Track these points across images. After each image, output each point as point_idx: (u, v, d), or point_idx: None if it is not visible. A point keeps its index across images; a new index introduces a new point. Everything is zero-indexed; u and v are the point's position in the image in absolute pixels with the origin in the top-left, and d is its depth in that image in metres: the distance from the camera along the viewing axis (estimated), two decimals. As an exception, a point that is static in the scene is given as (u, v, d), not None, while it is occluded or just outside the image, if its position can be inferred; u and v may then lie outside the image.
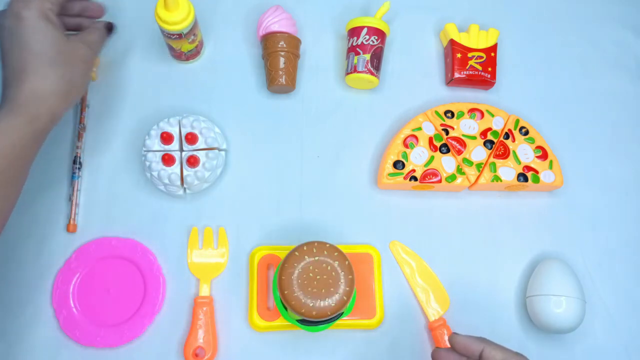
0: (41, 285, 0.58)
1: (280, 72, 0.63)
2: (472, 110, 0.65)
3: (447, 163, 0.62)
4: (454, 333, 0.47)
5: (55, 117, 0.50)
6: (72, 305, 0.57)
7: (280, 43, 0.63)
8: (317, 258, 0.50)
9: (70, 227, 0.59)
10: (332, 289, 0.49)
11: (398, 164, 0.61)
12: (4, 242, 0.59)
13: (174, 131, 0.60)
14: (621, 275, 0.63)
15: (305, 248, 0.51)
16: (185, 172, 0.58)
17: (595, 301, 0.61)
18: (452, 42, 0.67)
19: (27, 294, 0.58)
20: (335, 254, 0.51)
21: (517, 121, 0.65)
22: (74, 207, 0.60)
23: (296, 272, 0.49)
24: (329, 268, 0.50)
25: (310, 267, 0.50)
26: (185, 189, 0.60)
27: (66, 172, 0.62)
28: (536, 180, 0.62)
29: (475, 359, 0.45)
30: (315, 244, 0.51)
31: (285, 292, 0.49)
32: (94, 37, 0.56)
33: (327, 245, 0.51)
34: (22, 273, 0.58)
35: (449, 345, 0.48)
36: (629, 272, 0.63)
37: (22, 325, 0.57)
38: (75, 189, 0.60)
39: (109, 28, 0.59)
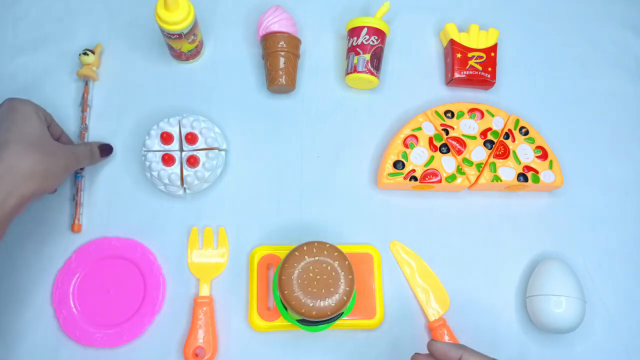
0: (41, 285, 0.58)
1: (280, 72, 0.63)
2: (472, 110, 0.65)
3: (447, 163, 0.62)
4: (433, 340, 0.47)
5: (23, 202, 0.47)
6: (72, 305, 0.57)
7: (280, 43, 0.63)
8: (317, 258, 0.50)
9: (75, 227, 0.59)
10: (332, 289, 0.49)
11: (398, 164, 0.61)
12: (4, 243, 0.59)
13: (174, 131, 0.59)
14: (621, 275, 0.63)
15: (305, 248, 0.51)
16: (185, 172, 0.58)
17: (595, 301, 0.61)
18: (452, 42, 0.67)
19: (27, 294, 0.58)
20: (335, 253, 0.51)
21: (517, 121, 0.65)
22: (78, 208, 0.60)
23: (296, 272, 0.50)
24: (329, 268, 0.50)
25: (310, 267, 0.50)
26: (185, 189, 0.60)
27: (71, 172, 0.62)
28: (536, 180, 0.62)
29: None
30: (315, 243, 0.51)
31: (285, 292, 0.49)
32: (83, 152, 0.56)
33: (327, 245, 0.51)
34: (22, 273, 0.58)
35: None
36: (629, 272, 0.63)
37: (22, 325, 0.57)
38: (79, 189, 0.60)
39: (104, 150, 0.60)
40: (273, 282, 0.55)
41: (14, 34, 0.66)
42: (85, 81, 0.64)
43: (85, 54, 0.63)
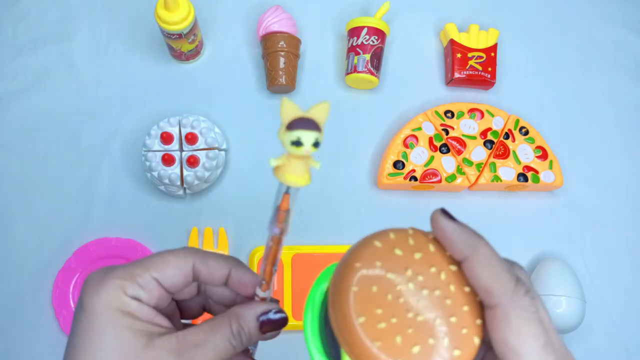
0: (41, 285, 0.58)
1: (280, 72, 0.63)
2: (472, 110, 0.65)
3: (447, 163, 0.62)
4: (439, 215, 0.26)
5: None
6: (73, 305, 0.57)
7: (280, 43, 0.62)
8: (418, 255, 0.25)
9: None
10: (444, 331, 0.23)
11: (398, 164, 0.61)
12: (3, 243, 0.59)
13: (174, 131, 0.59)
14: (621, 274, 0.63)
15: (392, 236, 0.26)
16: (185, 172, 0.58)
17: (595, 301, 0.61)
18: (452, 42, 0.67)
19: (27, 295, 0.58)
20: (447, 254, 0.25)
21: (517, 121, 0.65)
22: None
23: (374, 288, 0.24)
24: (443, 278, 0.25)
25: (408, 282, 0.24)
26: (185, 189, 0.60)
27: (71, 172, 0.62)
28: (536, 180, 0.62)
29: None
30: (410, 231, 0.27)
31: (350, 339, 0.23)
32: (221, 342, 0.29)
33: (431, 236, 0.26)
34: (22, 274, 0.58)
35: None
36: (629, 272, 0.63)
37: (22, 326, 0.57)
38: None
39: (269, 324, 0.31)
40: (310, 309, 0.28)
41: (14, 34, 0.66)
42: (286, 188, 0.29)
43: (297, 143, 0.25)
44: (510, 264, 0.26)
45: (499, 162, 0.62)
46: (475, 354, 0.24)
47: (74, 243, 0.59)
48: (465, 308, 0.24)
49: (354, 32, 0.65)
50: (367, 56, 0.63)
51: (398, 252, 0.25)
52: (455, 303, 0.24)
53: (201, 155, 0.59)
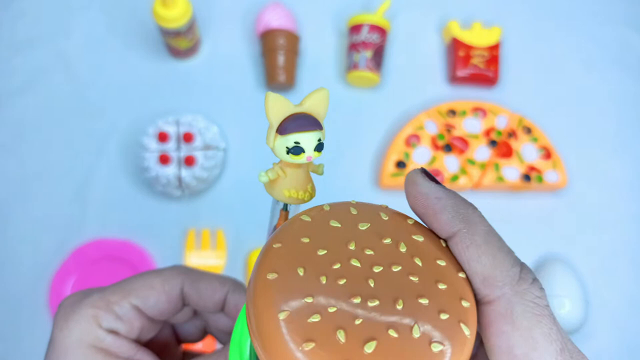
0: (38, 287, 0.57)
1: (280, 70, 0.62)
2: (475, 109, 0.64)
3: (450, 163, 0.61)
4: (417, 174, 0.20)
5: None
6: (69, 307, 0.56)
7: (280, 40, 0.61)
8: (366, 226, 0.19)
9: None
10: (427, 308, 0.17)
11: (400, 164, 0.60)
12: (2, 243, 0.58)
13: (172, 130, 0.58)
14: (625, 276, 0.62)
15: (327, 208, 0.20)
16: (182, 172, 0.57)
17: (598, 302, 0.61)
18: (454, 40, 0.66)
19: (23, 296, 0.57)
20: (410, 222, 0.20)
21: (521, 120, 0.64)
22: None
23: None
24: (404, 252, 0.18)
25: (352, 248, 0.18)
26: (182, 189, 0.59)
27: (67, 172, 0.61)
28: (540, 180, 0.61)
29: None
30: (353, 202, 0.21)
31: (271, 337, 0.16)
32: None
33: (384, 207, 0.22)
34: (19, 275, 0.57)
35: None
36: (633, 273, 0.63)
37: (19, 328, 0.56)
38: None
39: None
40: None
41: (11, 32, 0.66)
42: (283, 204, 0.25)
43: (296, 150, 0.21)
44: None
45: (502, 161, 0.61)
46: (467, 349, 0.16)
47: (70, 244, 0.58)
48: (442, 286, 0.17)
49: (355, 29, 0.64)
50: (369, 54, 0.62)
51: (335, 224, 0.19)
52: (425, 280, 0.17)
53: (199, 154, 0.58)
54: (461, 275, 0.18)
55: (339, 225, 0.18)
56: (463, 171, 0.61)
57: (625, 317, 0.61)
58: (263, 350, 0.16)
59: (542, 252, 0.62)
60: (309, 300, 0.16)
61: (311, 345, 0.15)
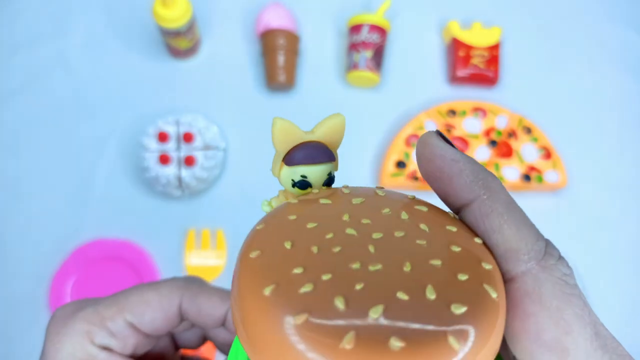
0: (38, 287, 0.57)
1: (280, 70, 0.62)
2: (475, 109, 0.64)
3: (449, 163, 0.61)
4: (431, 137, 0.17)
5: None
6: (69, 307, 0.56)
7: (280, 40, 0.61)
8: (360, 201, 0.17)
9: None
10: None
11: (400, 164, 0.60)
12: (1, 243, 0.58)
13: (172, 130, 0.58)
14: (625, 276, 0.62)
15: (316, 191, 0.19)
16: (182, 172, 0.57)
17: (598, 302, 0.61)
18: (454, 40, 0.66)
19: (23, 297, 0.57)
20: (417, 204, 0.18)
21: (521, 120, 0.64)
22: None
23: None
24: (406, 219, 0.17)
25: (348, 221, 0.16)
26: (182, 189, 0.59)
27: (67, 172, 0.61)
28: (540, 180, 0.61)
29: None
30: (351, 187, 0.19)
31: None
32: None
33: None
34: (19, 275, 0.57)
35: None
36: (633, 273, 0.62)
37: (19, 328, 0.56)
38: None
39: None
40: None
41: (11, 32, 0.65)
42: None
43: (302, 184, 0.19)
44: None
45: (502, 161, 0.61)
46: (498, 316, 0.13)
47: (70, 244, 0.58)
48: (455, 248, 0.15)
49: (355, 29, 0.64)
50: (369, 54, 0.62)
51: (325, 201, 0.17)
52: (435, 243, 0.15)
53: (199, 154, 0.58)
54: (477, 240, 0.15)
55: (330, 202, 0.17)
56: (463, 171, 0.61)
57: (625, 317, 0.61)
58: (248, 339, 0.14)
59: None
60: (299, 270, 0.14)
61: (303, 316, 0.13)
